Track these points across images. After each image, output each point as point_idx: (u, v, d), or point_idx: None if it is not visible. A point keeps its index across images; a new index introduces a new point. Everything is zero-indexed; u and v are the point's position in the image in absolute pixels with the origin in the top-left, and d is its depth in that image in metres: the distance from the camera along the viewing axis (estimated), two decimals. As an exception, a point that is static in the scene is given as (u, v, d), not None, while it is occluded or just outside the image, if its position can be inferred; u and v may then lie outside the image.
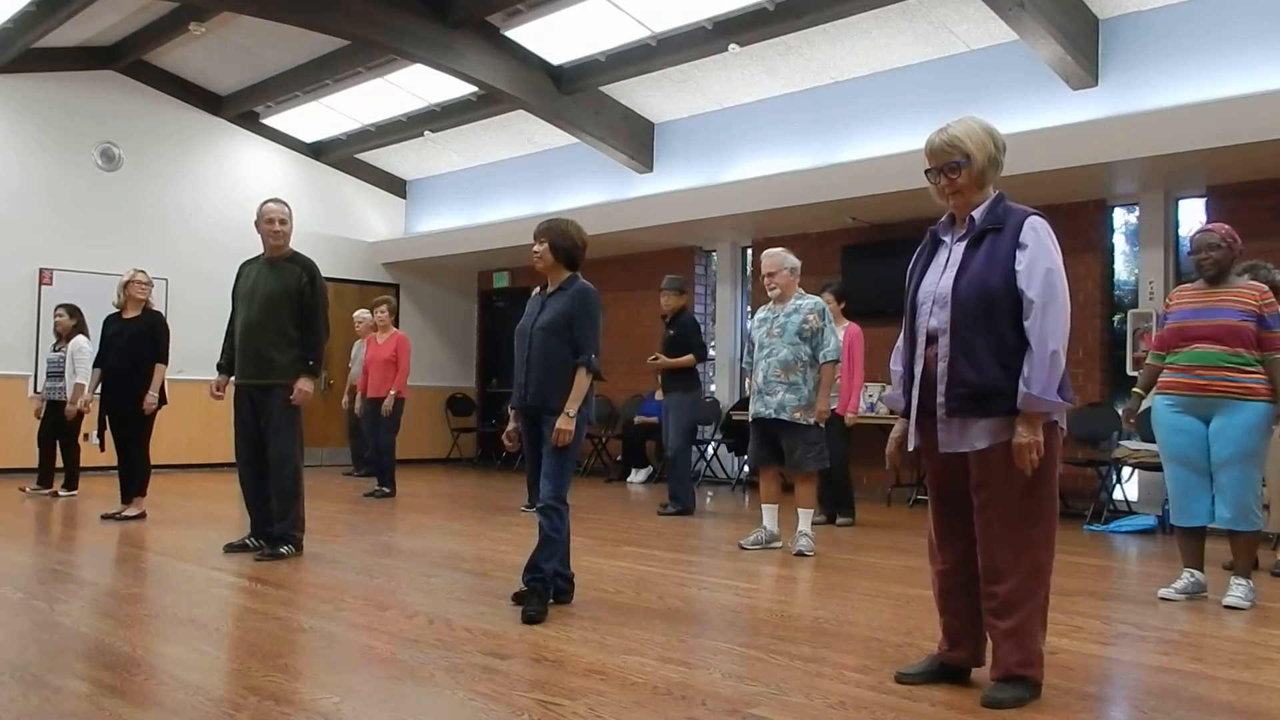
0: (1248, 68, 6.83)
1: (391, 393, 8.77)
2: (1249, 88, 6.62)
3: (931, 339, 3.03)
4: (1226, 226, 4.68)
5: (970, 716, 2.88)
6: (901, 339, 3.19)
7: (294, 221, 5.70)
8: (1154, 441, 4.89)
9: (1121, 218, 8.49)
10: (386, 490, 8.78)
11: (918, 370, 3.08)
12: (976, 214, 3.04)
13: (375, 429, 8.94)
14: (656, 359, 8.06)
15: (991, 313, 2.92)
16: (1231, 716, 2.99)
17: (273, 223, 5.58)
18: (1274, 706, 3.06)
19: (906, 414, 3.16)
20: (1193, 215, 7.83)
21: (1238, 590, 4.49)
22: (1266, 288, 4.60)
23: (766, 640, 3.76)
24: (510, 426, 4.44)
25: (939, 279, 3.05)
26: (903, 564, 5.58)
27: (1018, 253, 2.93)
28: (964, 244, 3.04)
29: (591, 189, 10.94)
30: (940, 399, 2.99)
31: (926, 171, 3.10)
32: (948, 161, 3.03)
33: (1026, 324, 2.88)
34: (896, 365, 3.21)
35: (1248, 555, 4.57)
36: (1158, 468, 4.87)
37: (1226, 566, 4.87)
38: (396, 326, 9.76)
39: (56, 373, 8.16)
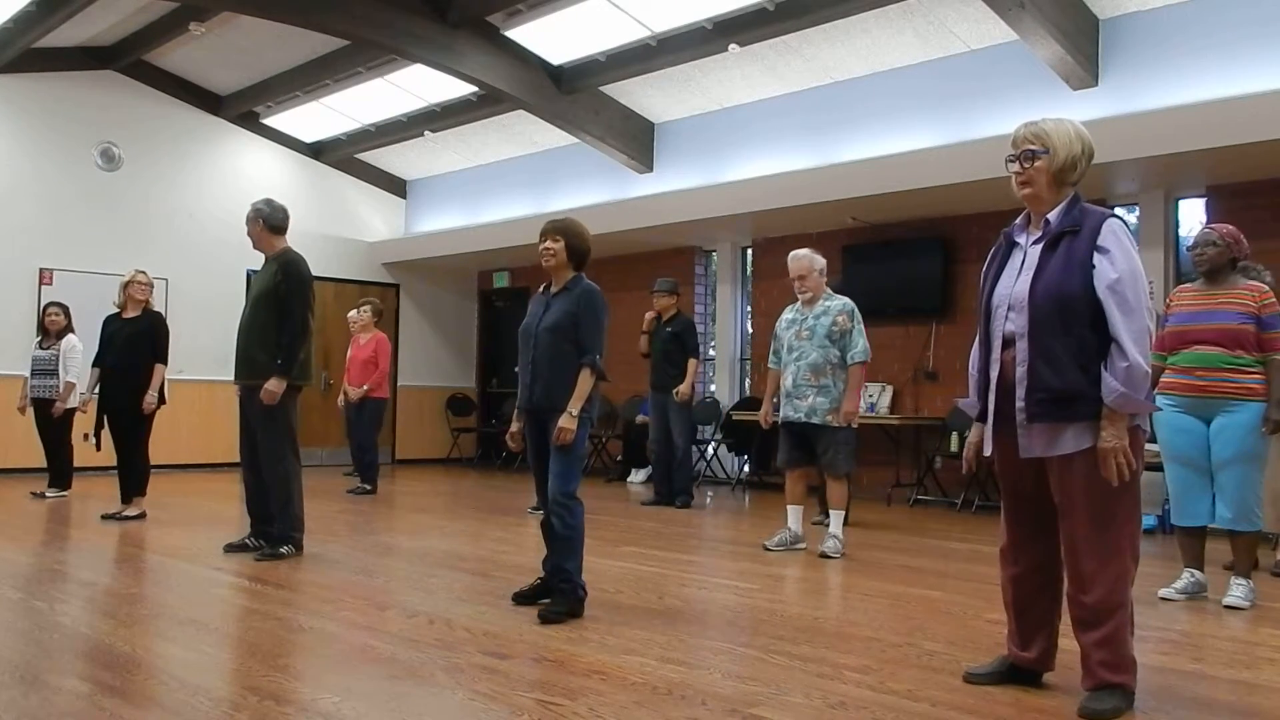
0: (1248, 68, 6.83)
1: (364, 387, 8.88)
2: (1249, 88, 6.62)
3: (1008, 343, 2.98)
4: (1230, 227, 4.68)
5: (970, 716, 2.89)
6: (977, 343, 3.15)
7: (280, 219, 5.64)
8: (1155, 441, 4.89)
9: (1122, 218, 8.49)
10: (368, 488, 8.86)
11: (994, 374, 3.04)
12: (1052, 216, 2.99)
13: (357, 428, 9.10)
14: (680, 388, 8.26)
15: (1070, 316, 2.87)
16: (1231, 716, 3.00)
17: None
18: (1274, 706, 3.06)
19: (982, 419, 3.12)
20: (1193, 215, 7.83)
21: (1238, 590, 4.49)
22: (1266, 288, 4.60)
23: (766, 640, 3.75)
24: (515, 427, 4.37)
25: (1014, 282, 3.00)
26: (903, 564, 5.58)
27: (1097, 256, 2.88)
28: (1040, 246, 2.99)
29: (591, 189, 10.94)
30: (1020, 403, 2.94)
31: (1008, 159, 3.06)
32: (1026, 149, 3.00)
33: (1111, 327, 2.82)
34: (973, 370, 3.17)
35: (1248, 555, 4.58)
36: (1158, 468, 4.86)
37: (1226, 566, 4.87)
38: (396, 324, 9.75)
39: (45, 370, 8.04)
